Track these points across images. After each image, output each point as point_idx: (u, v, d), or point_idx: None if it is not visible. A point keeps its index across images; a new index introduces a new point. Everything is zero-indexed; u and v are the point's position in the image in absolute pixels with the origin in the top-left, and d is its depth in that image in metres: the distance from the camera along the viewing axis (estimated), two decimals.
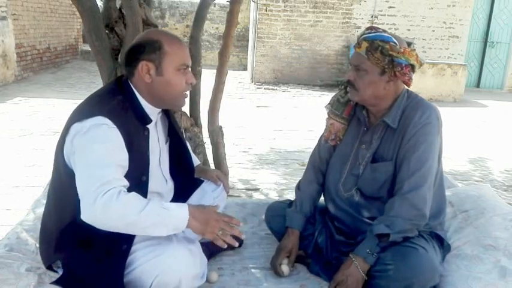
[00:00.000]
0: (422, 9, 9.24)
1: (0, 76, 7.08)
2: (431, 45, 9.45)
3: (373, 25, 1.65)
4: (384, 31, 1.57)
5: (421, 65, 1.60)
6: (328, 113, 1.82)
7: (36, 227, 1.74)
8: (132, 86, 1.47)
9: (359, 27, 9.18)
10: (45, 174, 3.16)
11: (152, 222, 1.31)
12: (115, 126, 1.34)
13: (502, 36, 9.85)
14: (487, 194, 1.98)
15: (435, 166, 1.60)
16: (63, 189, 1.40)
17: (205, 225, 1.37)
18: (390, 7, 9.20)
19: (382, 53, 1.53)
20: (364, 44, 1.56)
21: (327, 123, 1.82)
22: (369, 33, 1.57)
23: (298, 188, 1.90)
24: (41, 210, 1.89)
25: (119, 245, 1.39)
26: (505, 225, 1.73)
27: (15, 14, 7.60)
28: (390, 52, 1.53)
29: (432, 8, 9.25)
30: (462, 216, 1.88)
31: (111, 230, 1.30)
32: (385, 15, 9.23)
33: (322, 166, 1.88)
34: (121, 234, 1.36)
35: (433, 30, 9.38)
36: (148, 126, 1.49)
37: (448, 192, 2.01)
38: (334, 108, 1.78)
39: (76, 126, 1.34)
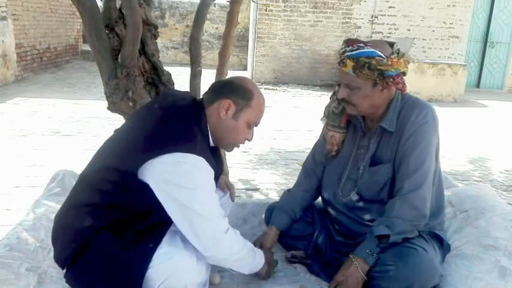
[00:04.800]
0: (422, 9, 9.24)
1: (0, 76, 7.08)
2: (431, 45, 9.45)
3: (351, 38, 1.60)
4: (365, 44, 1.52)
5: (408, 63, 1.58)
6: (325, 126, 1.80)
7: (36, 227, 1.74)
8: (206, 117, 1.52)
9: (359, 27, 9.19)
10: (45, 174, 3.16)
11: (247, 262, 1.55)
12: (208, 163, 1.41)
13: (502, 36, 9.86)
14: (487, 194, 1.98)
15: (433, 165, 1.60)
16: (118, 194, 1.41)
17: (269, 268, 1.70)
18: (390, 7, 9.21)
19: (370, 69, 1.51)
20: (350, 63, 1.53)
21: (326, 136, 1.80)
22: (351, 50, 1.53)
23: (289, 190, 1.94)
24: (41, 210, 1.89)
25: (146, 242, 1.40)
26: (505, 225, 1.73)
27: (15, 14, 7.60)
28: (378, 67, 1.51)
29: (432, 8, 9.26)
30: (462, 216, 1.88)
31: (220, 263, 1.49)
32: (385, 15, 9.23)
33: (316, 168, 1.89)
34: (150, 233, 1.41)
35: (433, 30, 9.38)
36: None
37: (448, 192, 2.01)
38: (330, 120, 1.77)
39: (168, 157, 1.35)
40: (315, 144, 1.93)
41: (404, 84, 1.58)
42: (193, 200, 1.37)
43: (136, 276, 1.36)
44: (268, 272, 1.71)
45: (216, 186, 1.88)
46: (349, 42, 1.56)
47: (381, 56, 1.50)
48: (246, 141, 1.59)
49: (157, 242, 1.41)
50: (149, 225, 1.43)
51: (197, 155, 1.38)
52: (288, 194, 1.93)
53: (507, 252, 1.62)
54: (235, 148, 1.62)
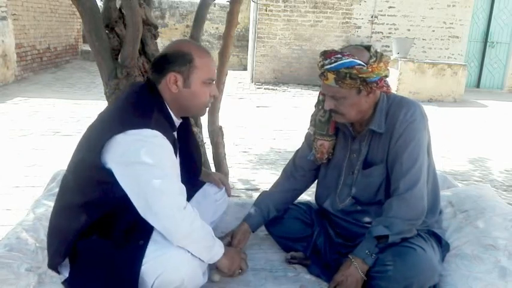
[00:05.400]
0: (422, 9, 9.24)
1: (0, 76, 7.08)
2: (431, 45, 9.45)
3: (327, 49, 1.57)
4: (342, 54, 1.51)
5: (388, 64, 1.57)
6: (313, 135, 1.79)
7: (36, 227, 1.74)
8: (160, 93, 1.50)
9: (359, 27, 9.19)
10: (45, 174, 3.16)
11: (206, 244, 1.47)
12: (165, 137, 1.38)
13: (502, 36, 9.85)
14: (487, 194, 1.98)
15: (426, 161, 1.61)
16: (93, 188, 1.40)
17: (231, 264, 1.59)
18: (390, 7, 9.20)
19: (351, 78, 1.51)
20: (331, 76, 1.52)
21: (314, 145, 1.79)
22: (329, 63, 1.52)
23: (264, 192, 1.95)
24: (41, 210, 1.89)
25: (136, 239, 1.40)
26: (505, 225, 1.73)
27: (15, 14, 7.60)
28: (360, 75, 1.50)
29: (432, 8, 9.25)
30: (462, 216, 1.88)
31: (181, 242, 1.39)
32: (385, 15, 9.23)
33: (295, 173, 1.90)
34: (138, 230, 1.40)
35: (433, 30, 9.38)
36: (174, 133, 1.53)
37: (448, 192, 2.02)
38: (317, 129, 1.76)
39: (123, 137, 1.34)
40: (297, 150, 1.94)
41: (388, 86, 1.58)
42: (152, 175, 1.34)
43: (132, 274, 1.36)
44: (230, 268, 1.61)
45: (211, 182, 1.89)
46: (326, 54, 1.54)
47: (360, 64, 1.50)
48: (213, 97, 1.57)
49: (147, 238, 1.40)
50: (134, 221, 1.41)
51: (152, 129, 1.36)
52: (264, 194, 1.94)
53: (507, 252, 1.62)
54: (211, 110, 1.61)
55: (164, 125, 1.43)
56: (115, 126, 1.36)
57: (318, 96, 1.76)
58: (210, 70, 1.53)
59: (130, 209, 1.39)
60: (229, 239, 1.81)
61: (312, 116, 1.81)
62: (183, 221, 1.38)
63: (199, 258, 1.48)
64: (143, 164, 1.34)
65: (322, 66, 1.54)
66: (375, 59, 1.52)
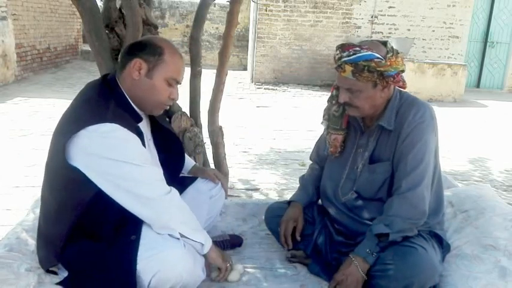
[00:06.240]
0: (422, 9, 9.24)
1: (0, 76, 7.08)
2: (431, 45, 9.45)
3: (345, 43, 1.59)
4: (361, 48, 1.52)
5: (403, 60, 1.59)
6: (327, 130, 1.80)
7: (36, 227, 1.74)
8: (119, 84, 1.48)
9: (359, 27, 9.19)
10: None
11: (194, 224, 1.49)
12: (126, 129, 1.36)
13: (502, 36, 9.85)
14: (487, 194, 1.98)
15: (432, 164, 1.60)
16: (64, 191, 1.39)
17: (221, 256, 1.58)
18: (390, 7, 9.20)
19: (369, 71, 1.51)
20: (348, 68, 1.53)
21: (328, 139, 1.80)
22: (348, 55, 1.52)
23: (303, 176, 1.99)
24: None
25: (127, 235, 1.39)
26: (505, 225, 1.73)
27: (15, 14, 7.60)
28: (378, 68, 1.51)
29: (432, 8, 9.26)
30: (462, 216, 1.88)
31: (167, 228, 1.41)
32: (385, 15, 9.23)
33: (320, 163, 1.95)
34: (127, 226, 1.40)
35: (433, 30, 9.38)
36: (139, 124, 1.50)
37: (448, 192, 2.01)
38: (331, 123, 1.77)
39: (84, 134, 1.32)
40: (318, 143, 1.96)
41: (404, 81, 1.59)
42: (122, 169, 1.33)
43: (129, 274, 1.34)
44: (223, 260, 1.59)
45: (206, 178, 1.87)
46: (344, 47, 1.55)
47: (379, 58, 1.51)
48: (172, 100, 1.54)
49: (138, 232, 1.40)
50: (120, 217, 1.40)
51: (110, 122, 1.33)
52: (303, 178, 1.99)
53: (507, 252, 1.62)
54: (165, 108, 1.56)
55: (124, 117, 1.40)
56: (74, 125, 1.35)
57: (332, 91, 1.77)
58: (178, 71, 1.50)
59: (111, 206, 1.37)
60: (295, 224, 1.81)
61: (324, 110, 1.83)
62: (171, 203, 1.40)
63: (198, 252, 1.48)
64: (111, 160, 1.33)
65: (340, 58, 1.55)
66: (391, 53, 1.54)
